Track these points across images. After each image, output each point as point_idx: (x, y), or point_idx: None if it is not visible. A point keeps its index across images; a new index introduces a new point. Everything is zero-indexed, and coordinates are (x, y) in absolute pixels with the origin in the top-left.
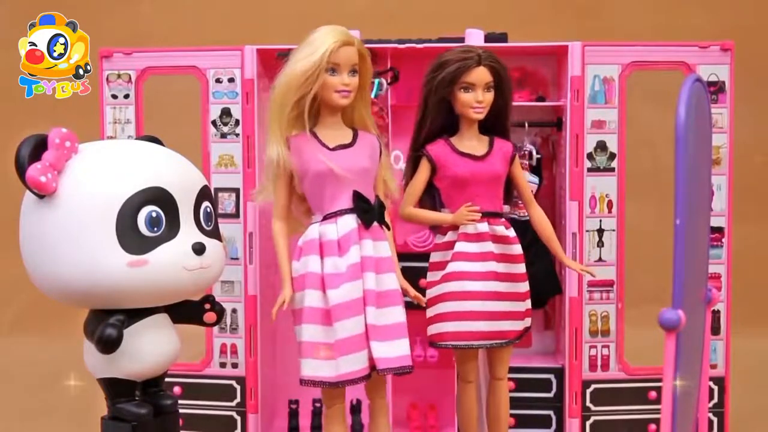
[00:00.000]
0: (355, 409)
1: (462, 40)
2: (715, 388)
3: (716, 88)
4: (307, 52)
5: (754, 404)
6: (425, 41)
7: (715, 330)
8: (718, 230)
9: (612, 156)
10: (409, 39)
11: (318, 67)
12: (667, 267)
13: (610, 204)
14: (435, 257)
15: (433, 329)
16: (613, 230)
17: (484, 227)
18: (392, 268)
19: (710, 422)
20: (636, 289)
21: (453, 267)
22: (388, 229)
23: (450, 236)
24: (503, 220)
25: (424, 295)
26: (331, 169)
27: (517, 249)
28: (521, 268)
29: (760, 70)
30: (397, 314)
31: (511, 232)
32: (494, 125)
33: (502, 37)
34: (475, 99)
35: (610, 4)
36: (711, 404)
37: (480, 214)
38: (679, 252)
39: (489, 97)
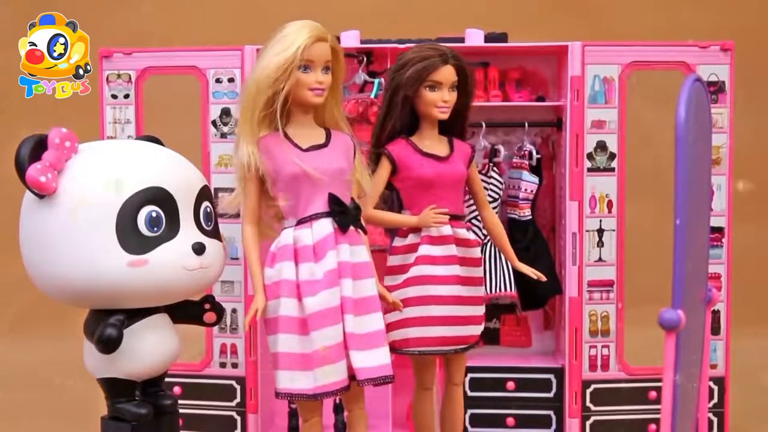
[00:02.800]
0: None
1: (462, 40)
2: (715, 388)
3: (716, 88)
4: (279, 48)
5: (754, 404)
6: (425, 41)
7: (715, 330)
8: (718, 230)
9: (612, 156)
10: (409, 39)
11: (291, 63)
12: (667, 267)
13: (610, 204)
14: (394, 261)
15: (396, 335)
16: (613, 230)
17: (447, 230)
18: (370, 273)
19: (710, 422)
20: (636, 289)
21: (416, 271)
22: (365, 233)
23: (412, 239)
24: (465, 222)
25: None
26: (305, 172)
27: (477, 252)
28: (480, 272)
29: (760, 70)
30: (376, 322)
31: (472, 235)
32: (453, 126)
33: (502, 37)
34: (440, 98)
35: (610, 4)
36: (711, 404)
37: (448, 217)
38: (679, 252)
39: (453, 96)
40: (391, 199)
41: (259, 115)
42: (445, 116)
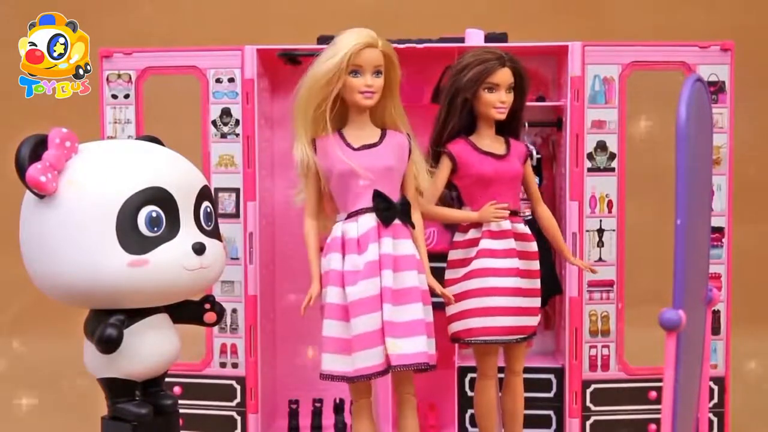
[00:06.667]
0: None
1: (462, 40)
2: (715, 388)
3: (716, 88)
4: (329, 54)
5: (754, 404)
6: (425, 41)
7: (715, 330)
8: (718, 230)
9: (612, 156)
10: (409, 39)
11: (339, 69)
12: (667, 267)
13: (610, 204)
14: (456, 255)
15: (459, 326)
16: (613, 230)
17: (507, 224)
18: (413, 266)
19: (710, 422)
20: (636, 289)
21: (478, 264)
22: (413, 227)
23: (473, 234)
24: (522, 217)
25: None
26: (353, 169)
27: (534, 246)
28: (536, 265)
29: (760, 70)
30: (415, 311)
31: (528, 230)
32: (508, 126)
33: (502, 37)
34: (498, 99)
35: (610, 4)
36: (711, 404)
37: (508, 212)
38: (680, 252)
39: (510, 97)
40: (450, 198)
41: (314, 116)
42: (502, 116)
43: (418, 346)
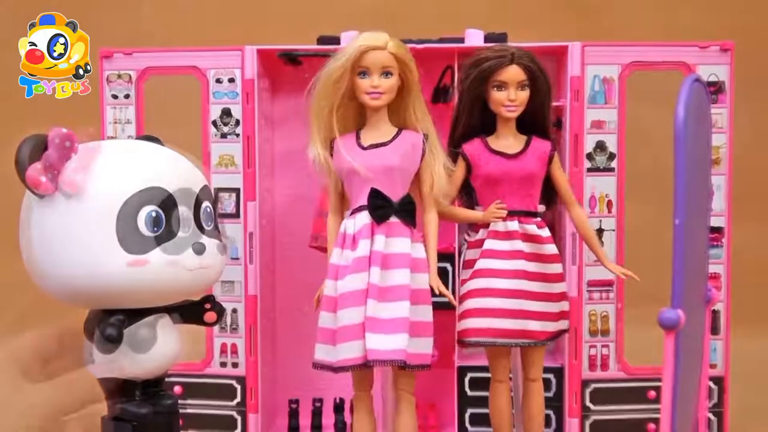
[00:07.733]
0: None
1: (462, 40)
2: (715, 388)
3: (716, 88)
4: (338, 57)
5: (754, 404)
6: (425, 41)
7: (715, 330)
8: (718, 230)
9: (612, 156)
10: (410, 39)
11: (344, 70)
12: (667, 267)
13: (609, 204)
14: (468, 255)
15: (460, 326)
16: (613, 230)
17: (514, 225)
18: (405, 264)
19: (710, 422)
20: (636, 289)
21: (481, 264)
22: (413, 226)
23: (482, 234)
24: (537, 219)
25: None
26: (354, 168)
27: (550, 249)
28: (555, 268)
29: (760, 70)
30: (401, 309)
31: (544, 232)
32: (532, 124)
33: (502, 37)
34: (507, 97)
35: (610, 4)
36: (711, 404)
37: (505, 212)
38: (679, 252)
39: (523, 95)
40: (468, 198)
41: (327, 117)
42: (513, 115)
43: (397, 344)
